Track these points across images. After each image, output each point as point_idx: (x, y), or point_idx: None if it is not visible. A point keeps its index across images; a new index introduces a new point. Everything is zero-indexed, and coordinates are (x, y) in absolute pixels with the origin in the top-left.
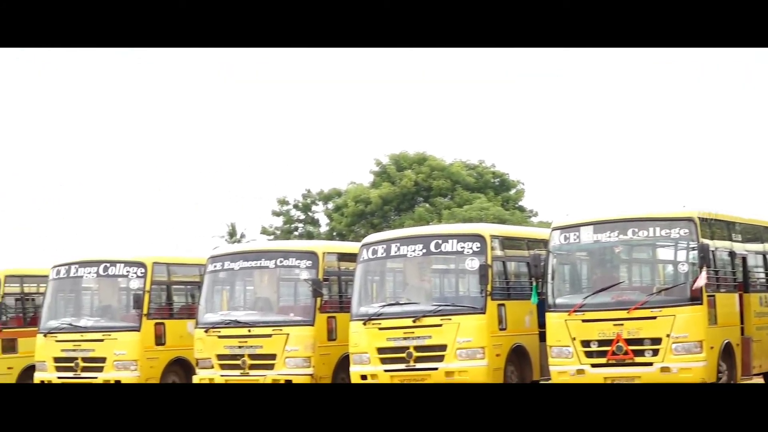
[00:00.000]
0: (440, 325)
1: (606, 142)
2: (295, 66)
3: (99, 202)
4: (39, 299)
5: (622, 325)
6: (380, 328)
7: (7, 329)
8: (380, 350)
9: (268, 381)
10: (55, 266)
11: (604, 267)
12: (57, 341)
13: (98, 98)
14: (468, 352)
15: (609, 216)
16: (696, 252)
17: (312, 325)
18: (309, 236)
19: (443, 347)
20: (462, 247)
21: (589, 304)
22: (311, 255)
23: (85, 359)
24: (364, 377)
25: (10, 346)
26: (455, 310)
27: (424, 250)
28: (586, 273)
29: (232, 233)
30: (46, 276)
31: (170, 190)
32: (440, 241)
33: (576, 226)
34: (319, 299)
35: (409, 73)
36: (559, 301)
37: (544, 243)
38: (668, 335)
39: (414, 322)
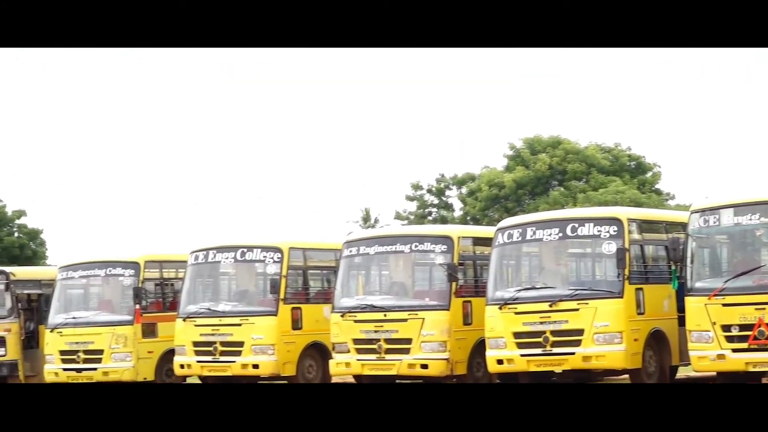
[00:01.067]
0: (577, 310)
1: (738, 125)
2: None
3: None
4: (178, 284)
5: (764, 309)
6: (516, 313)
7: (147, 314)
8: (516, 335)
9: (404, 365)
10: (193, 252)
11: (744, 250)
12: (196, 326)
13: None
14: (605, 337)
15: (750, 198)
16: None
17: (447, 310)
18: (443, 221)
19: (580, 332)
20: (599, 231)
21: (730, 287)
22: (446, 239)
23: (223, 343)
24: (500, 362)
25: (150, 331)
26: (592, 294)
27: (560, 234)
28: (727, 256)
29: (366, 218)
30: (185, 261)
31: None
32: (576, 225)
33: (716, 209)
34: (454, 283)
35: (527, 66)
36: (698, 284)
37: (682, 226)
38: None
39: (550, 306)
